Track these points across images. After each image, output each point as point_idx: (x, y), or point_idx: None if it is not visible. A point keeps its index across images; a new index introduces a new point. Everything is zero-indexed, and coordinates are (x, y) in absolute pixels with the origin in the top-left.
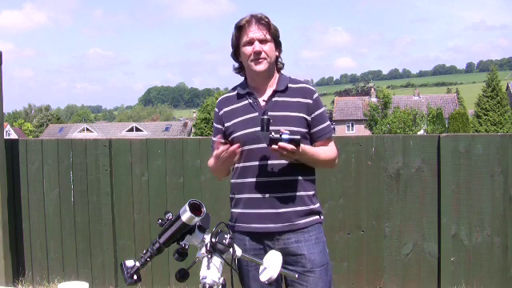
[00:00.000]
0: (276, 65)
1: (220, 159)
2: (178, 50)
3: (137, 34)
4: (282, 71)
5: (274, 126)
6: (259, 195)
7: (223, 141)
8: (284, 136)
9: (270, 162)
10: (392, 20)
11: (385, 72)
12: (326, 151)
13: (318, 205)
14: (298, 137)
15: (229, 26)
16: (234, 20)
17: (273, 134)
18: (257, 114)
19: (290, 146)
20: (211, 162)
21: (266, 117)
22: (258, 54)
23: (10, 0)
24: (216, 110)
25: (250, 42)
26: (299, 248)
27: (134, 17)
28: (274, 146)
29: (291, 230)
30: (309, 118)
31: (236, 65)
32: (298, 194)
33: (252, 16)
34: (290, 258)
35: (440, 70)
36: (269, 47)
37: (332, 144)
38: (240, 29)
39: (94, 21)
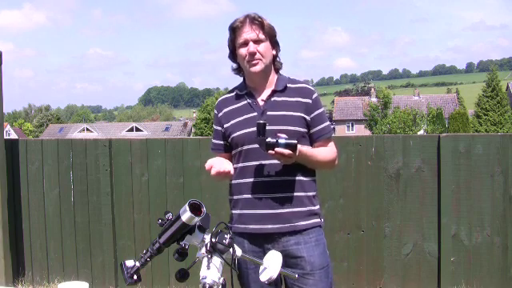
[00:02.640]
0: (274, 65)
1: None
2: (178, 50)
3: (136, 34)
4: (281, 71)
5: (273, 125)
6: (257, 196)
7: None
8: (280, 141)
9: (268, 162)
10: (392, 20)
11: (385, 72)
12: (324, 152)
13: (318, 206)
14: (295, 141)
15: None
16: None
17: (269, 138)
18: (256, 113)
19: (287, 151)
20: (208, 166)
21: (261, 121)
22: (252, 55)
23: (8, 0)
24: (215, 111)
25: (245, 43)
26: (299, 250)
27: (133, 17)
28: (271, 152)
29: (290, 231)
30: (308, 118)
31: (234, 66)
32: (297, 194)
33: (246, 16)
34: (289, 261)
35: (440, 70)
36: (264, 47)
37: (332, 144)
38: (234, 30)
39: (94, 21)
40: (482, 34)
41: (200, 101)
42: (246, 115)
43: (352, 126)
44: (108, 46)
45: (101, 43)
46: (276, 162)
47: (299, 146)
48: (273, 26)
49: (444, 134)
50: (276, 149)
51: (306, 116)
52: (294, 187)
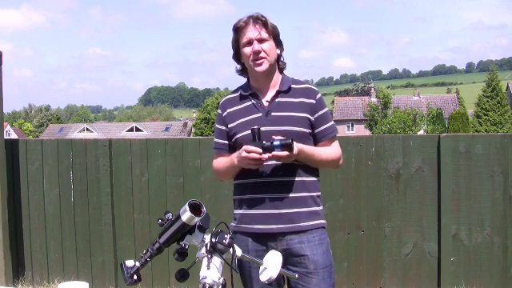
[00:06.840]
0: (278, 65)
1: (242, 162)
2: (177, 51)
3: (135, 34)
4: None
5: (277, 126)
6: (261, 196)
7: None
8: (275, 143)
9: (272, 162)
10: (390, 19)
11: (385, 72)
12: (327, 151)
13: (321, 207)
14: (289, 140)
15: (227, 26)
16: (232, 20)
17: (264, 142)
18: (260, 114)
19: (283, 153)
20: (219, 163)
21: (256, 127)
22: (257, 53)
23: (6, 0)
24: (219, 111)
25: (249, 43)
26: (302, 249)
27: (131, 16)
28: (268, 155)
29: (294, 231)
30: (312, 119)
31: (238, 67)
32: (300, 194)
33: (249, 17)
34: (292, 259)
35: (440, 70)
36: (268, 46)
37: (336, 144)
38: (238, 30)
39: (92, 20)
40: (481, 33)
41: (200, 101)
42: (250, 116)
43: (352, 126)
44: (106, 45)
45: (99, 43)
46: (279, 162)
47: (300, 145)
48: (276, 26)
49: (444, 134)
50: (273, 152)
51: (310, 116)
52: (297, 187)
